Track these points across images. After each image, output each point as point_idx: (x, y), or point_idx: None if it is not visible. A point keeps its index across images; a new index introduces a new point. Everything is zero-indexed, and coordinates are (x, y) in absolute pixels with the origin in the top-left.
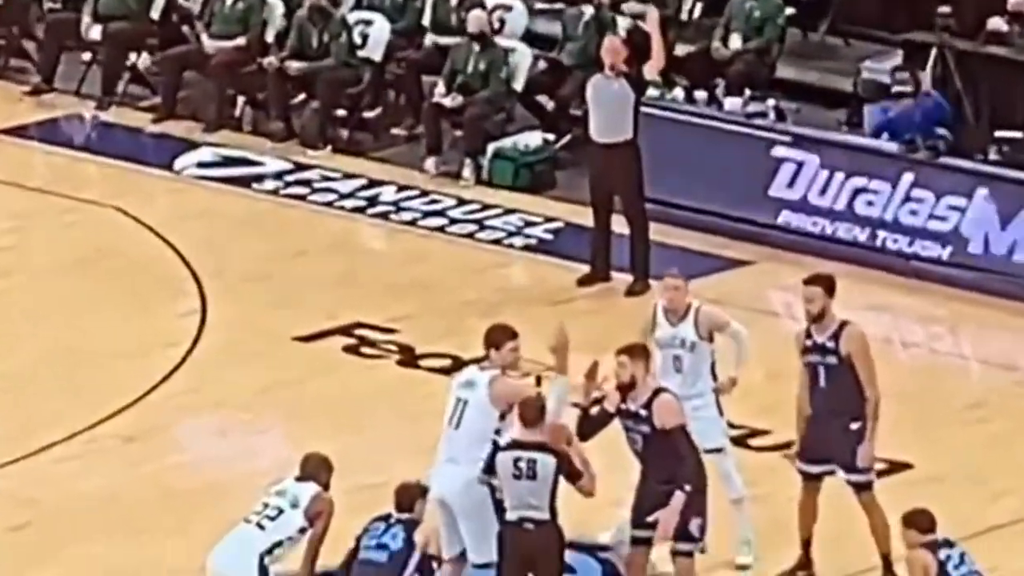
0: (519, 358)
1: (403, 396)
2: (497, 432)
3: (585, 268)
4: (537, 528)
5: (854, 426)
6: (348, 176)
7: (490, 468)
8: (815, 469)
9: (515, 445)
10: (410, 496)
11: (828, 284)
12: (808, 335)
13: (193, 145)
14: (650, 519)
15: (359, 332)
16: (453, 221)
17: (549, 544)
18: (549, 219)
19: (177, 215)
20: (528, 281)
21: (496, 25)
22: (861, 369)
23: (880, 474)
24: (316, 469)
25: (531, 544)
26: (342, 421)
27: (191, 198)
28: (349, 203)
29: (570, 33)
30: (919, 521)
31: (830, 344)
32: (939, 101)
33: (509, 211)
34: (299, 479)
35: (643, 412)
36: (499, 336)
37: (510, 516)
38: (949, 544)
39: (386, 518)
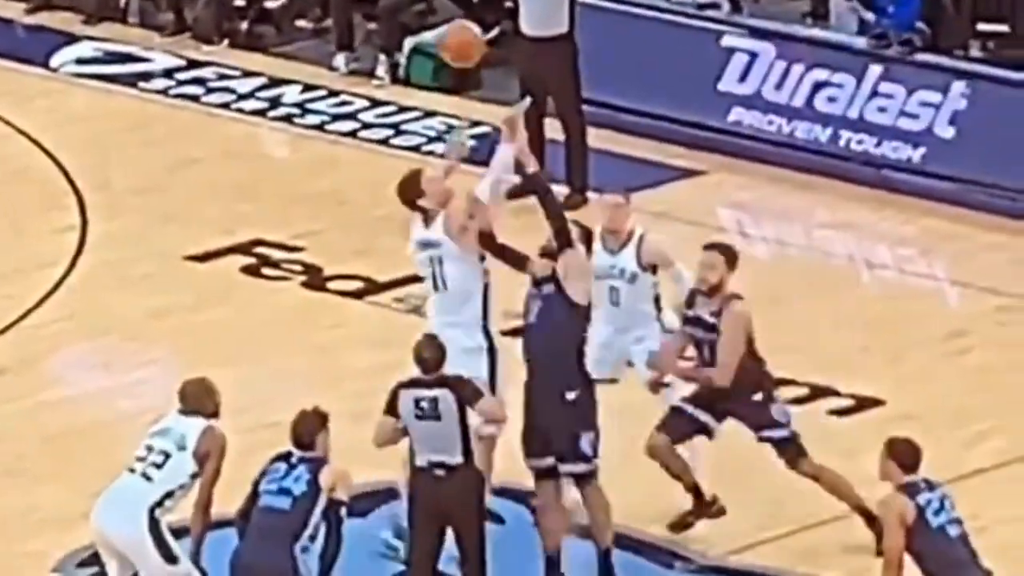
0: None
1: (308, 322)
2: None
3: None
4: (449, 474)
5: (756, 397)
6: (247, 74)
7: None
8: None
9: (413, 383)
10: (310, 428)
11: (731, 255)
12: (690, 303)
13: (72, 39)
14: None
15: (259, 250)
16: (366, 126)
17: (465, 491)
18: (474, 123)
19: (54, 119)
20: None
21: None
22: (723, 344)
23: (846, 412)
24: (199, 398)
25: (444, 493)
26: (240, 351)
27: (70, 99)
28: (248, 105)
29: None
30: (903, 454)
31: (711, 320)
32: None
33: (429, 114)
34: (183, 412)
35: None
36: None
37: (418, 462)
38: (930, 486)
39: (287, 457)
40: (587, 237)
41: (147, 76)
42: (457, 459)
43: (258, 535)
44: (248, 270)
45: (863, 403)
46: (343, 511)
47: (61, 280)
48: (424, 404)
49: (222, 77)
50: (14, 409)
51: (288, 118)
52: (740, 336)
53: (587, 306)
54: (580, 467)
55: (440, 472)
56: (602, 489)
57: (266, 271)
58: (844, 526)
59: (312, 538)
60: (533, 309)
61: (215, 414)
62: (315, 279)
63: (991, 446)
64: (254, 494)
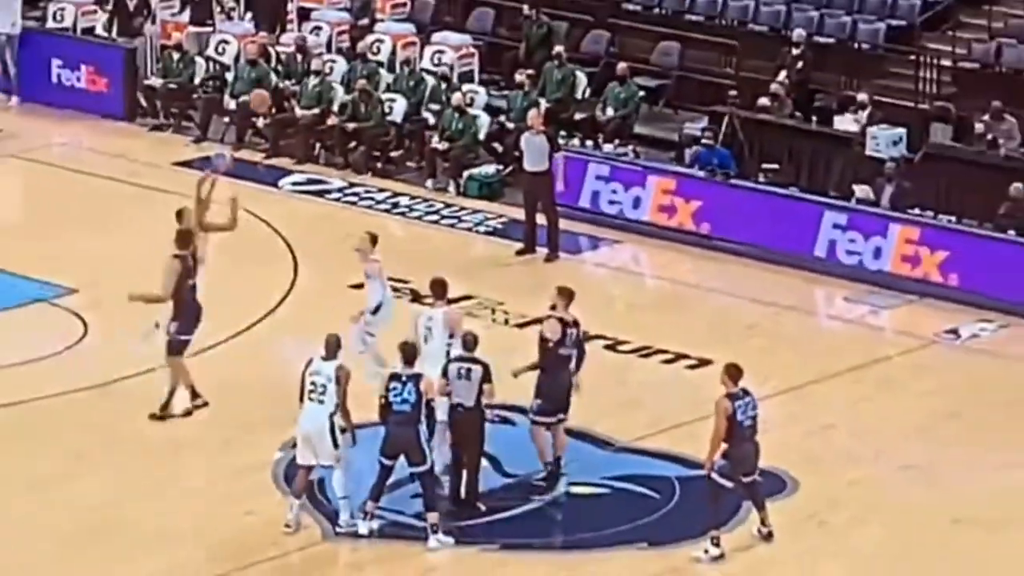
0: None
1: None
2: (449, 347)
3: (520, 244)
4: (466, 411)
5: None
6: (381, 191)
7: (444, 373)
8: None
9: (459, 359)
10: (412, 355)
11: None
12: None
13: (289, 172)
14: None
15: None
16: (443, 216)
17: (473, 421)
18: (499, 216)
19: (279, 213)
20: (487, 252)
21: (468, 101)
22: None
23: (693, 367)
24: (332, 349)
25: (462, 421)
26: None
27: (288, 204)
28: (381, 207)
29: (511, 107)
30: (732, 373)
31: None
32: (724, 152)
33: (476, 211)
34: (323, 359)
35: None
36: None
37: (453, 402)
38: (746, 393)
39: (399, 377)
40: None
41: (328, 191)
42: (471, 404)
43: (395, 425)
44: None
45: (701, 362)
46: (433, 405)
47: (282, 299)
48: (463, 371)
49: (368, 193)
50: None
51: (402, 213)
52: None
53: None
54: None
55: (460, 410)
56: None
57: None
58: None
59: (421, 421)
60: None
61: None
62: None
63: (772, 385)
64: (387, 403)
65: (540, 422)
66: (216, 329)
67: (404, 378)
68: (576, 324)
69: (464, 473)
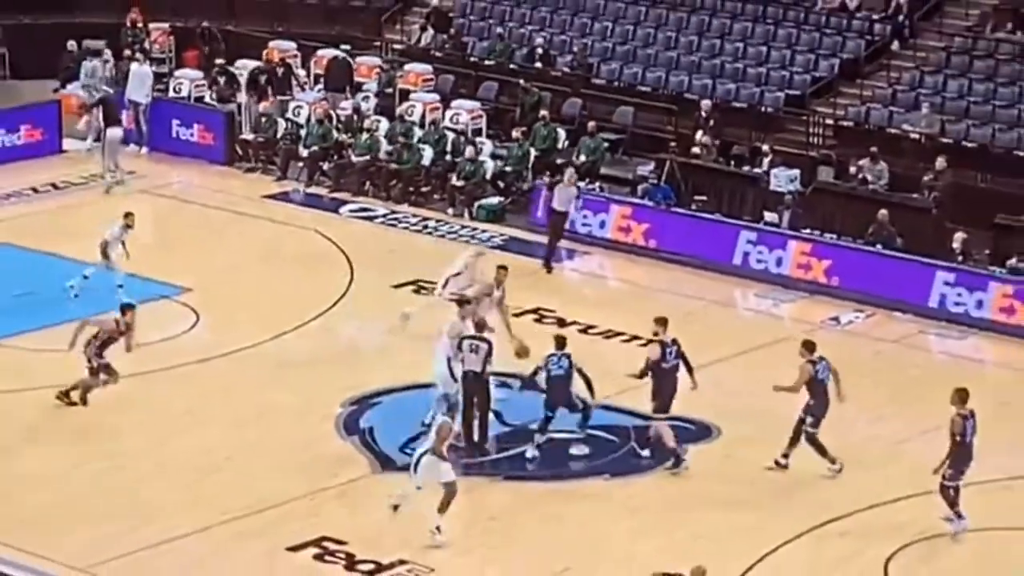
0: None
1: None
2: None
3: (521, 259)
4: (475, 376)
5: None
6: (414, 216)
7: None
8: None
9: (470, 337)
10: (563, 342)
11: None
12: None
13: (347, 202)
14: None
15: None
16: (460, 235)
17: (481, 384)
18: (501, 235)
19: (340, 234)
20: (494, 261)
21: (478, 150)
22: None
23: (643, 345)
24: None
25: (472, 384)
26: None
27: (347, 226)
28: (414, 228)
29: (510, 155)
30: (809, 346)
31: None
32: (667, 188)
33: (484, 231)
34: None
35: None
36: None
37: (465, 369)
38: (822, 359)
39: (554, 355)
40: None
41: (375, 216)
42: (479, 370)
43: (552, 388)
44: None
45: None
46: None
47: (343, 295)
48: (473, 346)
49: (405, 218)
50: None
51: (430, 233)
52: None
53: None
54: None
55: (471, 375)
56: None
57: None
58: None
59: (572, 383)
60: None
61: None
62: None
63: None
64: (546, 368)
65: (657, 418)
66: (296, 316)
67: (559, 354)
68: (675, 342)
69: (475, 423)
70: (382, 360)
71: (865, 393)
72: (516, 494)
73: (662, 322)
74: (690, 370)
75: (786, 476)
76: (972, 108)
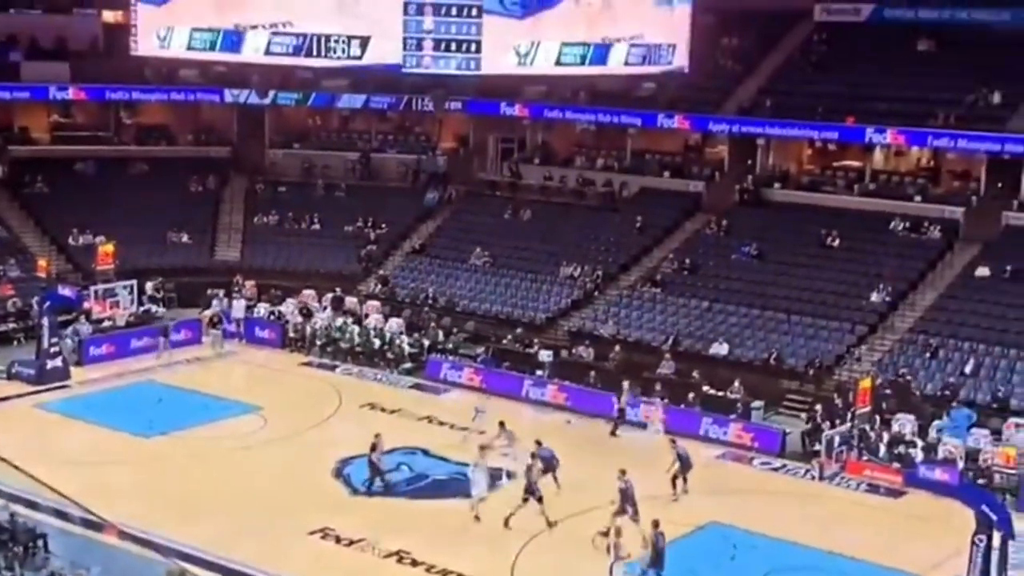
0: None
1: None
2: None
3: (418, 394)
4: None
5: None
6: (370, 372)
7: None
8: None
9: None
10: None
11: None
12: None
13: (338, 366)
14: None
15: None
16: (389, 381)
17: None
18: (413, 382)
19: (335, 381)
20: (433, 401)
21: (402, 341)
22: None
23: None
24: None
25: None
26: None
27: (338, 377)
28: (370, 378)
29: (416, 344)
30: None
31: None
32: (495, 359)
33: (403, 380)
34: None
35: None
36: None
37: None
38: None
39: (674, 441)
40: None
41: (351, 372)
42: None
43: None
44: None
45: None
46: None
47: (333, 413)
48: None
49: (365, 372)
50: None
51: (378, 380)
52: None
53: None
54: None
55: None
56: None
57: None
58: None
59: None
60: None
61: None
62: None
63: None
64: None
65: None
66: (315, 419)
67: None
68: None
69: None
70: (358, 439)
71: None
72: (420, 506)
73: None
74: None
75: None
76: (632, 322)
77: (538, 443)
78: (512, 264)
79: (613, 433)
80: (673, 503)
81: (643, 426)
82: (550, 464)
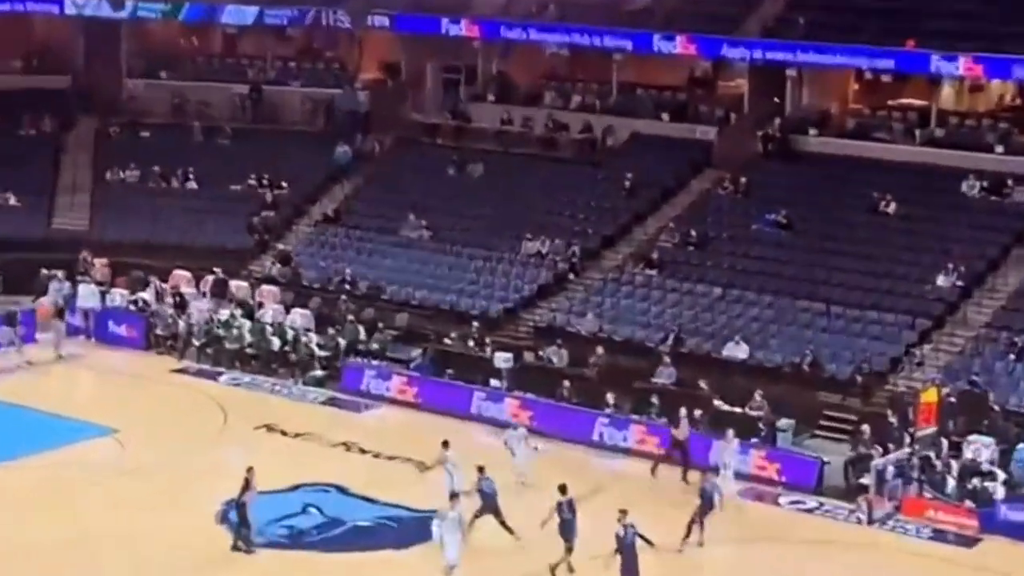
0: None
1: None
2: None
3: (334, 411)
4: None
5: None
6: (267, 382)
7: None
8: None
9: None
10: (563, 487)
11: None
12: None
13: (222, 374)
14: None
15: None
16: (294, 395)
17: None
18: (324, 395)
19: (219, 393)
20: (329, 415)
21: (309, 340)
22: None
23: (425, 469)
24: None
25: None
26: None
27: (223, 389)
28: (267, 390)
29: (328, 345)
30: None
31: None
32: (429, 366)
33: (312, 392)
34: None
35: None
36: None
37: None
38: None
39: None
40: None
41: (240, 383)
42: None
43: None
44: None
45: None
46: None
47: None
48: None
49: (260, 383)
50: None
51: (276, 392)
52: None
53: None
54: None
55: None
56: None
57: None
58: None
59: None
60: None
61: None
62: None
63: None
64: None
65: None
66: (196, 444)
67: (566, 500)
68: (632, 526)
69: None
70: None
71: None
72: (332, 561)
73: (623, 512)
74: (649, 542)
75: None
76: (619, 315)
77: (480, 471)
78: (458, 237)
79: (653, 472)
80: (678, 555)
81: (713, 470)
82: (492, 503)
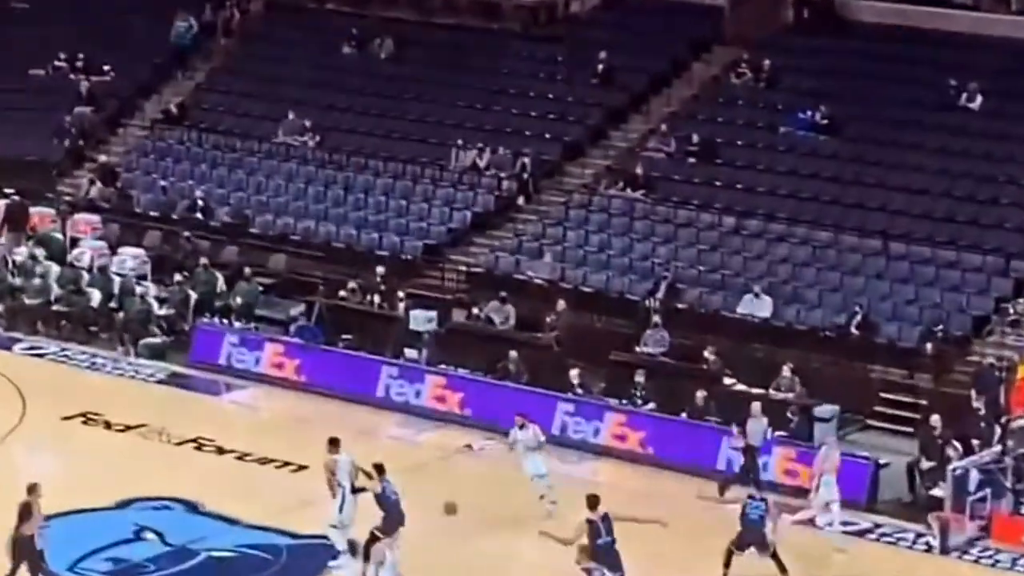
0: None
1: None
2: None
3: (182, 392)
4: None
5: None
6: (83, 353)
7: None
8: None
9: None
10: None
11: None
12: None
13: (19, 340)
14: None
15: None
16: (126, 371)
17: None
18: (164, 371)
19: (13, 368)
20: (164, 394)
21: (143, 292)
22: None
23: (294, 471)
24: None
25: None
26: None
27: (19, 361)
28: (84, 364)
29: (171, 297)
30: (591, 501)
31: None
32: (316, 329)
33: (148, 367)
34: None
35: None
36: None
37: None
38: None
39: (753, 497)
40: None
41: (46, 353)
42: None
43: (749, 528)
44: None
45: None
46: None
47: (18, 424)
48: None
49: (75, 354)
50: None
51: (97, 368)
52: None
53: None
54: None
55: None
56: None
57: None
58: None
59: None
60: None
61: None
62: None
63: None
64: (743, 514)
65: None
66: None
67: (757, 498)
68: (607, 518)
69: None
70: (62, 479)
71: (485, 502)
72: None
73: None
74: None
75: None
76: (589, 256)
77: (379, 470)
78: (357, 145)
79: (721, 493)
80: None
81: (803, 492)
82: (398, 514)
